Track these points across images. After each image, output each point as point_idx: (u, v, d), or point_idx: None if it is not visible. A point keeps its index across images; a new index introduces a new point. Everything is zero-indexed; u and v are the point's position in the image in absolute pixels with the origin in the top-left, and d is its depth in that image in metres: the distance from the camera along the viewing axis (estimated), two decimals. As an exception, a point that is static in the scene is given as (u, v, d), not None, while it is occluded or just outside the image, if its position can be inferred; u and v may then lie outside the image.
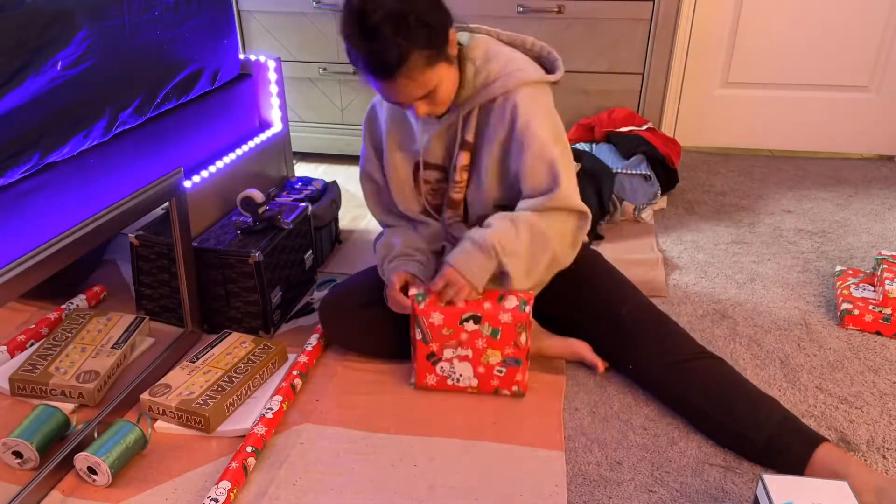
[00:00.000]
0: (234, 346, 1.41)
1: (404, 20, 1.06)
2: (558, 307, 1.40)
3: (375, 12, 1.05)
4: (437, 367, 1.31)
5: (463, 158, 1.30)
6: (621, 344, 1.34)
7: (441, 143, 1.31)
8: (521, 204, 1.28)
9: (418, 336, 1.29)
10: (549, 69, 1.29)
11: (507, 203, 1.33)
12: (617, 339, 1.34)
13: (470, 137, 1.29)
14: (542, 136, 1.23)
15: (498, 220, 1.26)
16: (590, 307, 1.38)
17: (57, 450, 1.16)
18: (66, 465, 1.15)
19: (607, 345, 1.37)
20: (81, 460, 1.12)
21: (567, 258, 1.32)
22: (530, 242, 1.24)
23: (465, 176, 1.33)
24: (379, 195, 1.45)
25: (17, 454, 1.15)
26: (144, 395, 1.26)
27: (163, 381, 1.30)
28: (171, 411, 1.24)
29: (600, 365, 1.37)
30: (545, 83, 1.28)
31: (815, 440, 1.11)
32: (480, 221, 1.30)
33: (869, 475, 1.05)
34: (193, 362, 1.36)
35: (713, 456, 1.18)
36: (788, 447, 1.12)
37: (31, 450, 1.14)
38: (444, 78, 1.16)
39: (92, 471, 1.12)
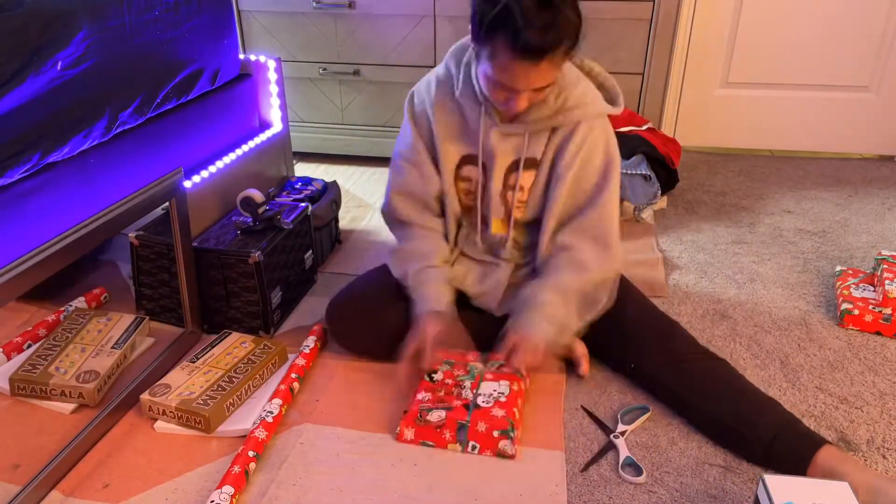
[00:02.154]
0: (234, 346, 1.41)
1: (579, 10, 1.08)
2: None
3: None
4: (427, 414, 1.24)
5: (525, 178, 1.30)
6: (622, 344, 1.34)
7: (503, 149, 1.29)
8: (570, 240, 1.30)
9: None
10: (609, 100, 1.28)
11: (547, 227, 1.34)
12: (618, 339, 1.34)
13: (539, 156, 1.29)
14: (616, 184, 1.29)
15: (558, 298, 1.27)
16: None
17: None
18: (66, 466, 1.14)
19: (608, 344, 1.37)
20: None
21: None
22: (588, 312, 1.30)
23: (525, 196, 1.32)
24: (420, 185, 1.36)
25: None
26: (144, 396, 1.26)
27: (163, 381, 1.30)
28: (171, 411, 1.24)
29: (584, 367, 1.36)
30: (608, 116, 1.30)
31: (817, 443, 1.11)
32: (522, 244, 1.37)
33: (863, 474, 1.05)
34: (193, 362, 1.36)
35: (713, 456, 1.18)
36: (790, 450, 1.12)
37: None
38: (557, 79, 1.17)
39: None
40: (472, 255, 1.43)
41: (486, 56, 1.12)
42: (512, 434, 1.18)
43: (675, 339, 1.30)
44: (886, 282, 1.51)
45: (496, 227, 1.37)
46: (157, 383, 1.29)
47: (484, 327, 1.37)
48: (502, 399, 1.25)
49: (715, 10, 2.42)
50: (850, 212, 2.13)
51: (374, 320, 1.39)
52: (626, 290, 1.39)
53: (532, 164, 1.30)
